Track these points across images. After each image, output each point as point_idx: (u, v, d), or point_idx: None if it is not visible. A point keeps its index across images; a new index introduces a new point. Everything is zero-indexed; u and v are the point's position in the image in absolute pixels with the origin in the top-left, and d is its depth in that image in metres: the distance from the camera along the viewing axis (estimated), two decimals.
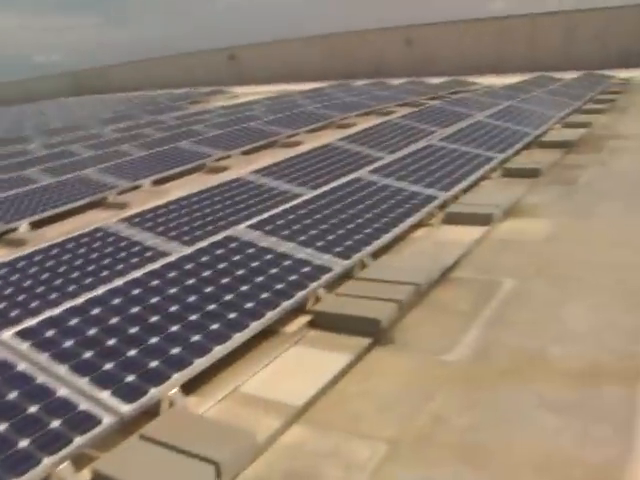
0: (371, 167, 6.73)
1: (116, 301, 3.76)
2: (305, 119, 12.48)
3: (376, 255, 4.75)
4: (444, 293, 4.24)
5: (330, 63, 26.42)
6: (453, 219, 5.60)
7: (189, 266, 4.23)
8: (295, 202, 5.51)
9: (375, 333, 3.67)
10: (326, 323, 3.87)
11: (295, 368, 3.48)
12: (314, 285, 4.12)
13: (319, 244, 4.65)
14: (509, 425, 2.81)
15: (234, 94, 22.99)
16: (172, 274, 4.11)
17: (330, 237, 4.79)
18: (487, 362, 3.36)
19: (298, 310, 4.06)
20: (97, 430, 2.79)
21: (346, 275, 4.41)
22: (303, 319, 4.01)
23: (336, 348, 3.60)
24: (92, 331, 3.46)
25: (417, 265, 4.45)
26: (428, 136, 9.26)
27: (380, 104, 14.26)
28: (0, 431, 2.73)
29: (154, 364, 3.23)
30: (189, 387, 3.29)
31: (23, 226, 6.93)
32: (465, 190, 6.36)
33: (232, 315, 3.70)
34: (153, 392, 3.04)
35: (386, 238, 4.93)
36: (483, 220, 5.42)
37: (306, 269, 4.28)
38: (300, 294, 4.01)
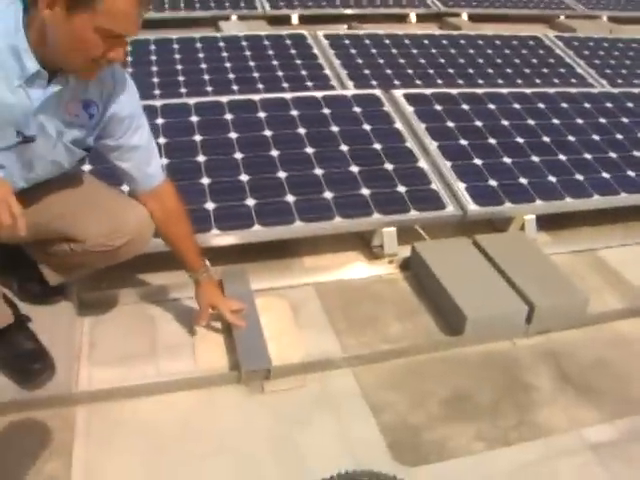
0: None
1: (527, 105, 3.44)
2: None
3: None
4: None
5: None
6: None
7: (608, 104, 3.64)
8: None
9: None
10: None
11: None
12: None
13: None
14: None
15: None
16: (584, 105, 3.59)
17: None
18: None
19: None
20: (436, 214, 2.64)
21: None
22: None
23: None
24: (479, 123, 3.22)
25: None
26: None
27: None
28: (354, 172, 2.74)
29: (524, 181, 2.90)
30: (548, 223, 2.93)
31: (464, 15, 6.86)
32: None
33: (630, 172, 3.13)
34: (507, 207, 2.76)
35: None
36: None
37: None
38: None
